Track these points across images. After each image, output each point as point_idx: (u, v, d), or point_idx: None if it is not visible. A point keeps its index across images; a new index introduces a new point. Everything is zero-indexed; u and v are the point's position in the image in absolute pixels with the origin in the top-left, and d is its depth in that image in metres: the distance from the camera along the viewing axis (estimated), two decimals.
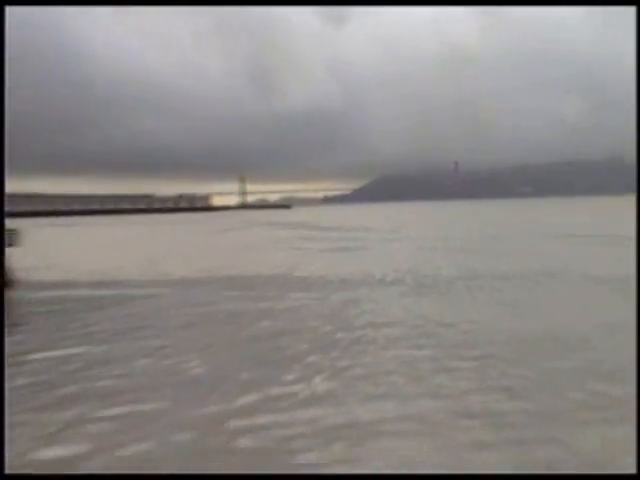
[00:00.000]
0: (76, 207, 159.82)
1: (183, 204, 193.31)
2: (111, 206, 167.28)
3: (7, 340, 8.57)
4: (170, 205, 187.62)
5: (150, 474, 4.20)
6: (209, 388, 6.21)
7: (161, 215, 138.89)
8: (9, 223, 12.51)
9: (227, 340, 8.59)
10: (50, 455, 4.62)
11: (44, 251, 27.76)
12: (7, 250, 13.02)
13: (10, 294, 11.61)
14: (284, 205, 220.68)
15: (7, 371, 6.84)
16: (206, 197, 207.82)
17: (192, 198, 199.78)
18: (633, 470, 4.01)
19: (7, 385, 6.36)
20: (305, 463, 4.35)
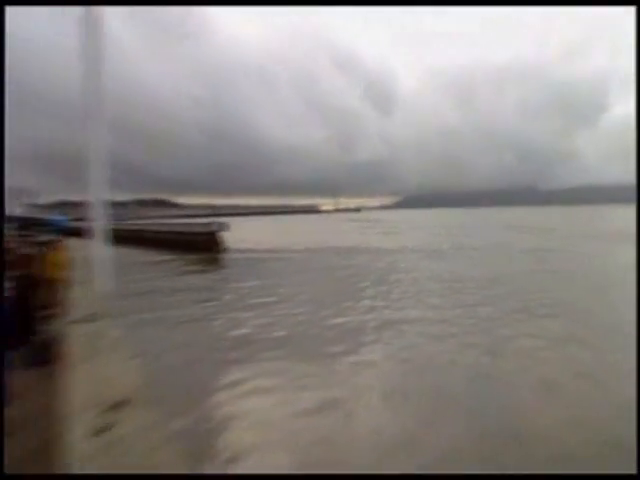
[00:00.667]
0: (253, 210, 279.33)
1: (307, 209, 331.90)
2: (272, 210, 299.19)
3: (219, 272, 24.55)
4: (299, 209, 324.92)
5: (151, 474, 18.48)
6: (313, 303, 16.46)
7: (295, 215, 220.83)
8: (226, 219, 32.14)
9: (324, 279, 22.15)
10: (239, 333, 12.50)
11: (239, 234, 47.59)
12: (222, 233, 31.17)
13: (222, 255, 28.39)
14: (357, 209, 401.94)
15: (219, 290, 22.04)
16: (317, 205, 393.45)
17: (312, 205, 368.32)
18: (633, 470, 4.50)
19: (219, 297, 21.99)
20: (369, 340, 11.56)
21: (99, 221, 7.63)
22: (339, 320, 13.52)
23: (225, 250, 36.03)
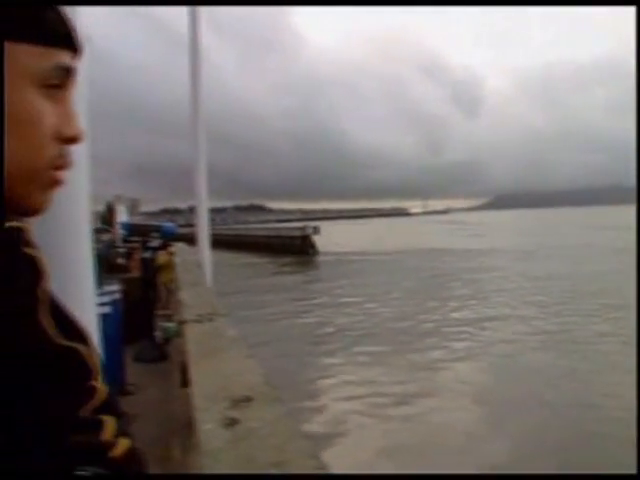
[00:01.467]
0: (343, 214, 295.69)
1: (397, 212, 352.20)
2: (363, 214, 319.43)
3: (310, 273, 24.98)
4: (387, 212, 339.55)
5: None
6: (402, 301, 20.24)
7: (384, 218, 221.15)
8: (316, 223, 32.13)
9: (413, 278, 23.34)
10: (331, 329, 16.27)
11: (330, 237, 48.06)
12: (314, 236, 31.63)
13: (315, 257, 28.84)
14: (444, 211, 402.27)
15: (312, 290, 22.74)
16: (405, 208, 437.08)
17: (400, 208, 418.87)
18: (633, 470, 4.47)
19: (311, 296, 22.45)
20: (458, 337, 13.24)
21: (203, 226, 8.04)
22: (429, 317, 13.31)
23: (317, 252, 36.77)
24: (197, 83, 7.61)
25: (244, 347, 2.40)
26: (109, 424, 0.77)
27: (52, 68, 0.62)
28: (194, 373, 2.27)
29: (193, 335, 2.77)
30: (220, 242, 45.01)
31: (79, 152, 1.44)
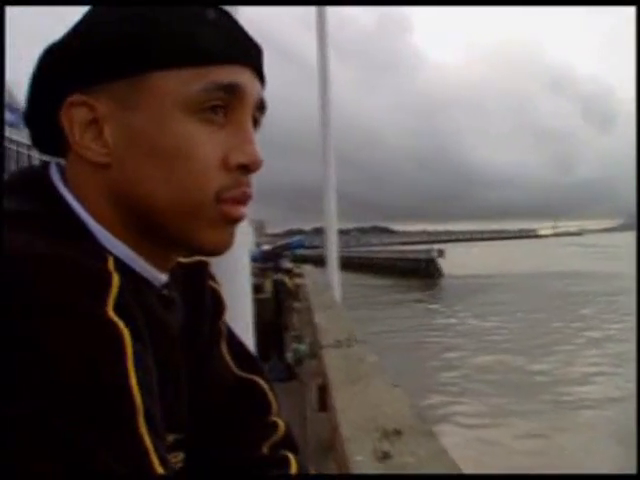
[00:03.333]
0: (469, 237, 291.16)
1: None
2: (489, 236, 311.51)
3: (436, 296, 24.31)
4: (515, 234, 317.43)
5: None
6: (534, 329, 18.08)
7: (512, 240, 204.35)
8: (440, 246, 31.37)
9: (545, 303, 21.61)
10: (459, 361, 18.42)
11: (455, 260, 46.78)
12: (439, 259, 31.02)
13: (441, 280, 28.14)
14: (578, 232, 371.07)
15: (438, 315, 22.06)
16: (535, 229, 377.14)
17: (529, 230, 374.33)
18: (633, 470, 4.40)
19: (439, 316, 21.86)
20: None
21: (332, 248, 8.13)
22: (560, 348, 12.22)
23: (442, 275, 35.91)
24: (326, 105, 7.78)
25: (387, 375, 2.33)
26: (294, 461, 0.75)
27: (205, 89, 0.54)
28: (337, 399, 2.23)
29: (332, 359, 2.74)
30: (343, 264, 45.56)
31: None
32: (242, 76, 0.57)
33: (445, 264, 38.02)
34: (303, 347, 5.40)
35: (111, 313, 0.44)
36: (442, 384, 10.65)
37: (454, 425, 8.49)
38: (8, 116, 20.57)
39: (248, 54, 0.59)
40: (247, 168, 0.57)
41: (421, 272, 36.53)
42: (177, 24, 0.54)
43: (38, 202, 0.53)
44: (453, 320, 17.96)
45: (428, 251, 38.96)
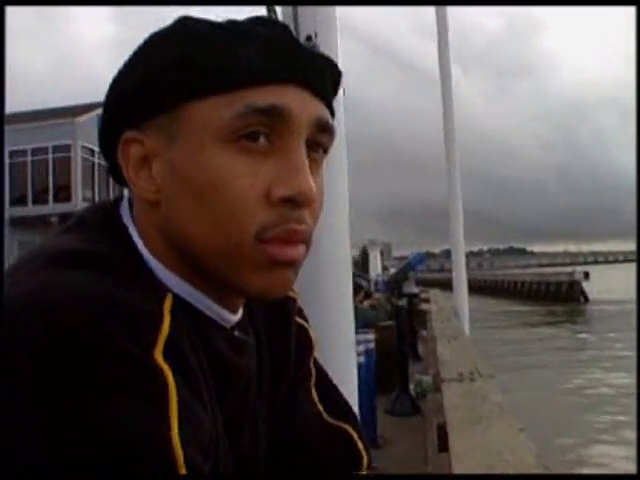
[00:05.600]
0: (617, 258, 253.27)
1: None
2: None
3: (581, 324, 22.15)
4: None
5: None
6: None
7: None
8: (584, 268, 28.36)
9: None
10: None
11: (602, 283, 42.69)
12: (583, 282, 28.66)
13: (585, 306, 25.96)
14: None
15: (584, 349, 19.99)
16: None
17: None
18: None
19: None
20: None
21: (460, 271, 7.76)
22: None
23: (588, 301, 33.03)
24: (450, 123, 7.55)
25: (512, 417, 2.07)
26: None
27: (239, 115, 0.48)
28: (455, 441, 2.04)
29: (453, 396, 2.53)
30: (475, 288, 43.88)
31: (338, 197, 1.38)
32: (286, 96, 0.50)
33: (590, 288, 34.81)
34: (427, 379, 5.15)
35: (158, 357, 0.42)
36: (588, 425, 9.59)
37: (594, 468, 7.57)
38: None
39: (295, 71, 0.51)
40: (294, 201, 0.49)
41: (562, 297, 33.97)
42: (211, 50, 0.50)
43: (107, 241, 0.51)
44: (606, 352, 16.28)
45: (571, 273, 36.10)
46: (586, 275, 34.83)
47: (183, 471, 0.39)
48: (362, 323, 6.35)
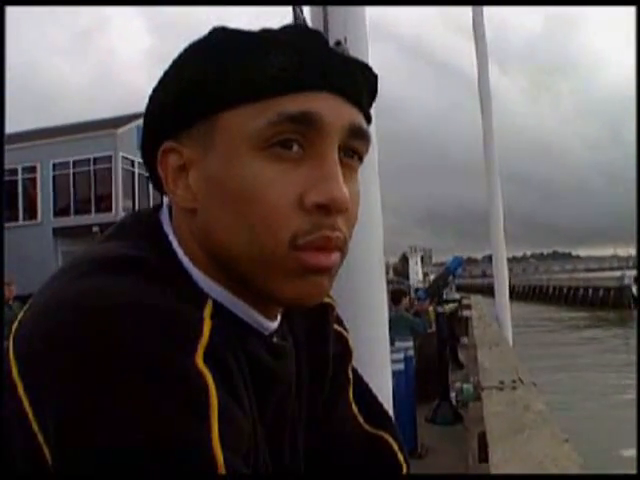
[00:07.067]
0: None
1: None
2: None
3: (632, 331, 21.17)
4: None
5: None
6: None
7: None
8: (633, 272, 27.29)
9: None
10: None
11: None
12: (634, 287, 27.57)
13: (635, 311, 24.75)
14: None
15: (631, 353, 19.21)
16: None
17: None
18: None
19: None
20: None
21: (501, 277, 7.58)
22: None
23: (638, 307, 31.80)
24: (488, 124, 7.38)
25: (556, 426, 2.00)
26: None
27: (270, 122, 0.49)
28: (496, 452, 1.98)
29: (494, 405, 2.47)
30: (519, 294, 42.86)
31: (370, 203, 1.36)
32: (317, 103, 0.50)
33: None
34: (468, 387, 5.03)
35: (199, 362, 0.42)
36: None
37: None
38: None
39: (327, 77, 0.51)
40: (327, 208, 0.49)
41: (611, 302, 32.78)
42: (244, 61, 0.51)
43: (149, 248, 0.53)
44: None
45: (620, 278, 34.74)
46: (637, 279, 33.49)
47: (223, 473, 0.40)
48: (408, 331, 6.27)
